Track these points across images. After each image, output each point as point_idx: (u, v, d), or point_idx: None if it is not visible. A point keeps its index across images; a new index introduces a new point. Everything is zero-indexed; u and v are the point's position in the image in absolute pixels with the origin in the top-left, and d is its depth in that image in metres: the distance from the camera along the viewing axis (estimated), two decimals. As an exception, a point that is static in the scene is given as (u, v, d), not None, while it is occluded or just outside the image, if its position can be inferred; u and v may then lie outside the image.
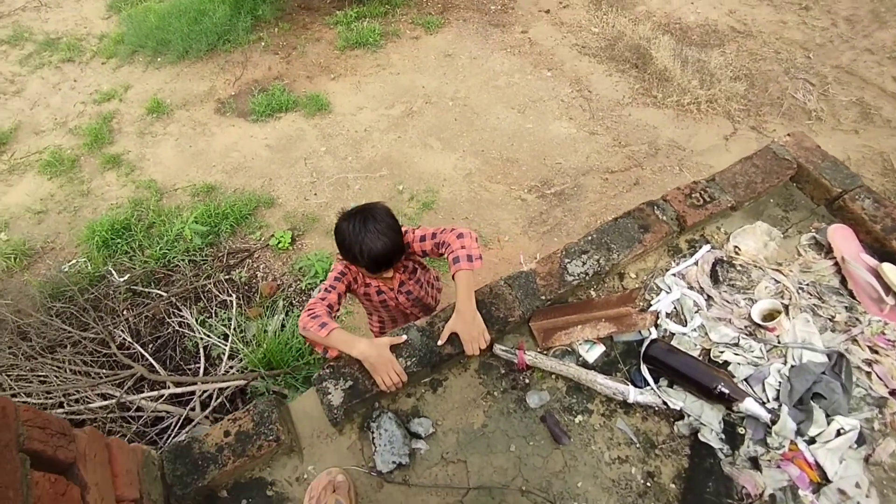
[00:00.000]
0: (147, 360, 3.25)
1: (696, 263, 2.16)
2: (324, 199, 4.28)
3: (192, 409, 3.00)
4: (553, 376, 1.93)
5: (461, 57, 5.36)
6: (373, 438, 1.80)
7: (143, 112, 5.10)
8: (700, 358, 1.90)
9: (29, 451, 1.12)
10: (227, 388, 3.08)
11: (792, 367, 1.85)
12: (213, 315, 3.54)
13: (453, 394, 1.93)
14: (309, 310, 1.86)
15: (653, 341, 1.92)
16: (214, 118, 5.00)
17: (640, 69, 5.08)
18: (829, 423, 1.72)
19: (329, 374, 1.87)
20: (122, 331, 3.41)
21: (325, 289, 1.95)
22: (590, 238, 2.17)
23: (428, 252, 2.00)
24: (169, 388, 3.06)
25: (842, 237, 2.16)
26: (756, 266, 2.14)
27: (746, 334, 1.96)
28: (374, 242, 1.77)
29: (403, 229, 1.95)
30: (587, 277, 2.07)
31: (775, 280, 2.09)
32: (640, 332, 1.99)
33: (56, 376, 3.08)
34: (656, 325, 2.01)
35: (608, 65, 5.18)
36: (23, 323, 3.41)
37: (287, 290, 3.77)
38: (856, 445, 1.70)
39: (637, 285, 2.14)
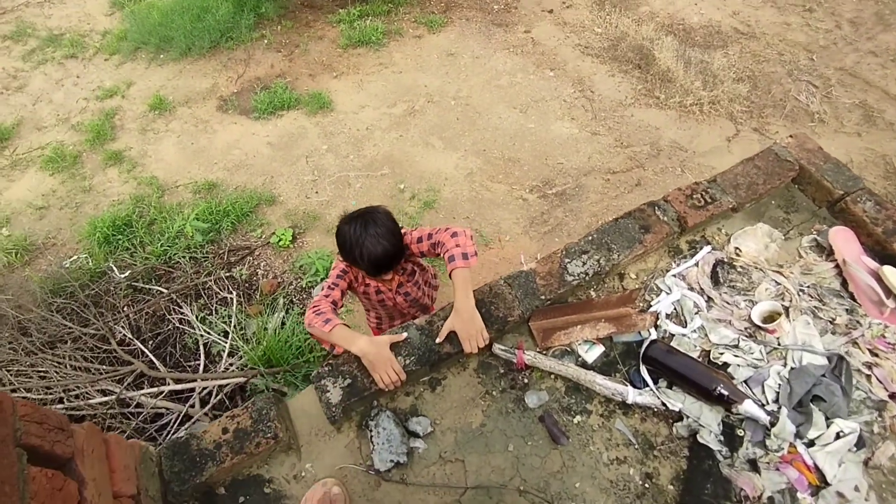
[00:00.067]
0: (147, 356, 3.25)
1: (696, 264, 2.16)
2: (325, 198, 4.28)
3: (192, 406, 3.00)
4: (552, 376, 1.93)
5: (464, 56, 5.36)
6: (371, 437, 1.79)
7: (145, 109, 5.10)
8: (700, 359, 1.90)
9: (26, 446, 1.12)
10: (227, 385, 3.09)
11: (792, 369, 1.85)
12: (214, 312, 3.54)
13: (452, 393, 1.92)
14: (314, 306, 1.89)
15: (652, 342, 1.92)
16: (216, 115, 5.01)
17: (643, 70, 5.07)
18: (828, 426, 1.72)
19: (328, 371, 1.87)
20: (122, 327, 3.41)
21: (329, 286, 1.99)
22: (590, 238, 2.17)
23: (425, 252, 2.02)
24: (169, 384, 3.07)
25: (843, 239, 2.15)
26: (757, 268, 2.13)
27: (746, 336, 1.95)
28: (374, 246, 1.80)
29: (402, 231, 1.96)
30: (587, 277, 2.07)
31: (776, 282, 2.09)
32: (639, 332, 1.99)
33: (56, 372, 3.09)
34: (656, 326, 2.00)
35: (611, 65, 5.17)
36: (23, 318, 3.42)
37: (287, 287, 3.78)
38: (855, 448, 1.70)
39: (637, 286, 2.14)
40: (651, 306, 2.06)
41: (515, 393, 1.91)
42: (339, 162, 4.52)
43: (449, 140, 4.61)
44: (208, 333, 3.35)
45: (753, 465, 1.69)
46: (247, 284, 3.80)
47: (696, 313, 2.02)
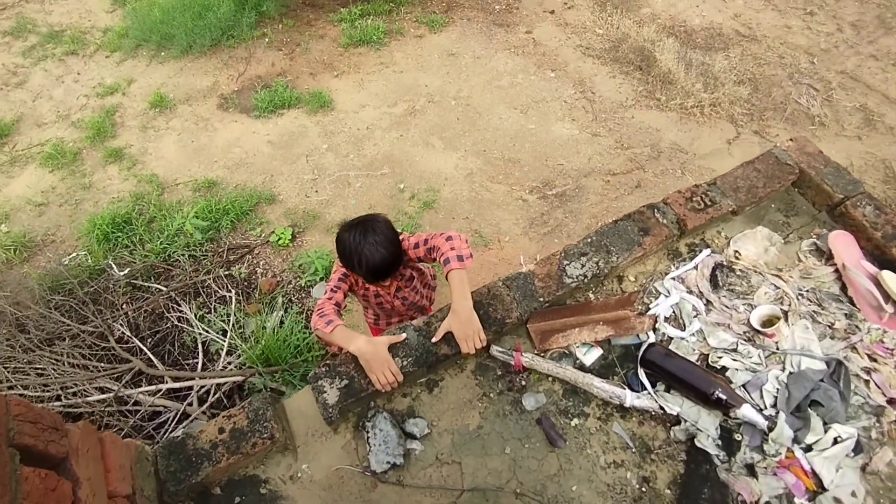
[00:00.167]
0: (145, 354, 3.25)
1: (695, 267, 2.16)
2: (325, 197, 4.28)
3: (190, 405, 3.00)
4: (550, 379, 1.93)
5: (465, 56, 5.35)
6: (367, 438, 1.79)
7: (145, 106, 5.09)
8: (698, 363, 1.89)
9: (19, 446, 1.12)
10: (225, 383, 3.08)
11: (790, 373, 1.84)
12: (212, 310, 3.54)
13: (449, 394, 1.92)
14: (318, 309, 1.93)
15: (651, 345, 1.91)
16: (217, 113, 5.00)
17: (644, 71, 5.06)
18: (826, 431, 1.71)
19: (325, 372, 1.87)
20: (121, 325, 3.41)
21: (332, 289, 2.03)
22: (589, 240, 2.16)
23: (422, 257, 2.05)
24: (167, 382, 3.07)
25: (843, 244, 2.15)
26: (756, 271, 2.13)
27: (745, 340, 1.95)
28: (372, 254, 1.83)
29: (400, 236, 1.99)
30: (586, 280, 2.06)
31: (775, 286, 2.08)
32: (638, 335, 1.99)
33: (54, 369, 3.08)
34: (654, 329, 2.00)
35: (612, 66, 5.17)
36: (21, 315, 3.41)
37: (286, 286, 3.77)
38: (852, 454, 1.69)
39: (636, 289, 2.13)
40: (650, 309, 2.05)
41: (513, 395, 1.90)
42: (340, 161, 4.51)
43: (449, 140, 4.61)
44: (207, 332, 3.35)
45: (751, 469, 1.69)
46: (246, 283, 3.80)
47: (695, 317, 2.02)
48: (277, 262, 3.93)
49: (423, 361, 1.87)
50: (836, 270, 2.12)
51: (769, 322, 1.95)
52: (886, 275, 2.01)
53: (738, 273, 2.14)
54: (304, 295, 3.73)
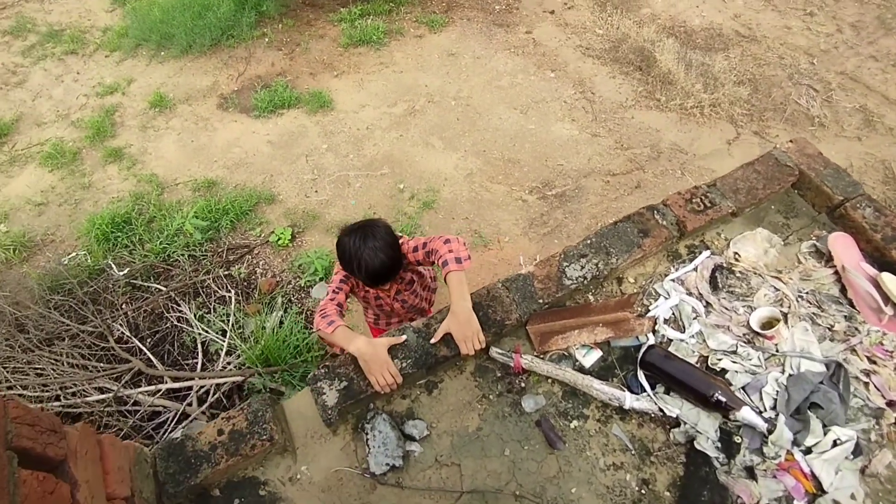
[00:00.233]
0: (145, 354, 3.25)
1: (695, 269, 2.15)
2: (324, 197, 4.27)
3: (189, 405, 3.00)
4: (549, 381, 1.93)
5: (464, 56, 5.35)
6: (367, 440, 1.79)
7: (145, 106, 5.09)
8: (697, 365, 1.89)
9: (17, 449, 1.11)
10: (225, 384, 3.08)
11: (790, 376, 1.84)
12: (212, 311, 3.54)
13: (448, 396, 1.92)
14: (321, 310, 1.95)
15: (650, 347, 1.91)
16: (217, 113, 5.00)
17: (644, 72, 5.06)
18: (825, 434, 1.71)
19: (324, 374, 1.87)
20: (120, 325, 3.41)
21: (333, 290, 2.05)
22: (589, 242, 2.16)
23: (421, 261, 2.07)
24: (166, 382, 3.06)
25: (842, 245, 2.15)
26: (756, 273, 2.13)
27: (745, 342, 1.95)
28: (372, 259, 1.84)
29: (399, 241, 2.00)
30: (585, 281, 2.06)
31: (775, 288, 2.08)
32: (637, 337, 1.98)
33: (53, 369, 3.08)
34: (654, 331, 2.00)
35: (612, 67, 5.17)
36: (21, 315, 3.41)
37: (286, 286, 3.77)
38: (852, 456, 1.69)
39: (635, 290, 2.13)
40: (649, 311, 2.05)
41: (512, 397, 1.90)
42: (339, 161, 4.51)
43: (449, 140, 4.61)
44: (206, 332, 3.35)
45: (750, 472, 1.69)
46: (245, 283, 3.80)
47: (695, 318, 2.01)
48: (277, 263, 3.93)
49: (423, 363, 1.87)
50: (836, 272, 2.11)
51: (769, 324, 1.95)
52: (886, 277, 2.01)
53: (738, 275, 2.14)
54: (303, 295, 3.73)
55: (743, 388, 1.84)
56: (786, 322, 1.97)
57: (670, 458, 1.76)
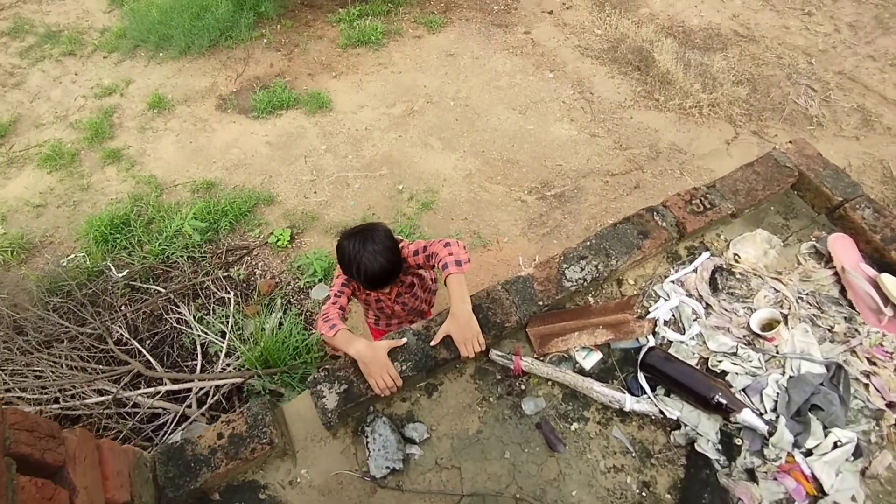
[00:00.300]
0: (144, 356, 3.24)
1: (695, 271, 2.15)
2: (323, 198, 4.27)
3: (189, 407, 2.99)
4: (549, 383, 1.92)
5: (463, 57, 5.35)
6: (367, 443, 1.79)
7: (144, 107, 5.08)
8: (698, 367, 1.89)
9: (16, 455, 1.11)
10: (224, 385, 3.08)
11: (790, 377, 1.84)
12: (211, 312, 3.53)
13: (448, 399, 1.92)
14: (323, 314, 1.96)
15: (650, 349, 1.91)
16: (215, 114, 4.99)
17: (643, 72, 5.06)
18: (826, 436, 1.71)
19: (324, 377, 1.86)
20: (119, 326, 3.40)
21: (335, 293, 2.05)
22: (588, 243, 2.16)
23: (421, 264, 2.07)
24: (166, 384, 3.06)
25: (842, 246, 2.15)
26: (755, 274, 2.13)
27: (745, 344, 1.94)
28: (371, 263, 1.84)
29: (400, 244, 2.00)
30: (585, 283, 2.06)
31: (775, 289, 2.08)
32: (637, 339, 1.98)
33: (52, 371, 3.07)
34: (654, 333, 2.00)
35: (610, 67, 5.16)
36: (19, 317, 3.40)
37: (285, 288, 3.76)
38: (852, 458, 1.69)
39: (635, 292, 2.13)
40: (649, 313, 2.05)
41: (512, 399, 1.90)
42: (338, 162, 4.50)
43: (448, 141, 4.60)
44: (206, 333, 3.34)
45: (751, 474, 1.69)
46: (244, 284, 3.79)
47: (695, 320, 2.01)
48: (276, 264, 3.92)
49: (423, 366, 1.87)
50: (836, 273, 2.11)
51: (769, 326, 1.95)
52: (885, 278, 2.01)
53: (738, 276, 2.14)
54: (302, 296, 3.72)
55: (743, 390, 1.84)
56: (786, 324, 1.96)
57: (671, 460, 1.76)
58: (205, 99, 5.13)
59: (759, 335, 1.94)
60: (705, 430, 1.76)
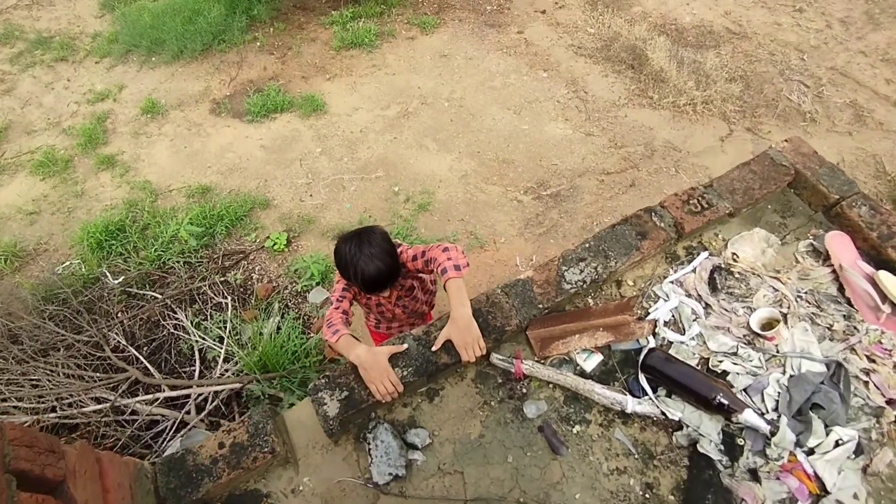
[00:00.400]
0: (142, 363, 3.23)
1: (693, 271, 2.15)
2: (319, 201, 4.26)
3: (188, 413, 2.98)
4: (550, 386, 1.92)
5: (457, 57, 5.34)
6: (369, 450, 1.78)
7: (137, 112, 5.06)
8: (699, 367, 1.89)
9: (15, 472, 1.10)
10: (223, 391, 3.07)
11: (791, 377, 1.84)
12: (209, 317, 3.51)
13: (450, 403, 1.91)
14: (327, 319, 1.95)
15: (651, 350, 1.91)
16: (209, 119, 4.97)
17: (636, 70, 5.07)
18: (827, 434, 1.72)
19: (325, 384, 1.85)
20: (116, 333, 3.38)
21: (337, 298, 2.05)
22: (587, 245, 2.16)
23: (420, 269, 2.06)
24: (164, 391, 3.05)
25: (839, 244, 2.15)
26: (754, 273, 2.13)
27: (745, 343, 1.95)
28: (367, 266, 1.83)
29: (399, 249, 2.00)
30: (584, 285, 2.06)
31: (774, 288, 2.09)
32: (637, 340, 1.98)
33: (49, 380, 3.05)
34: (654, 334, 2.00)
35: (604, 66, 5.17)
36: (14, 326, 3.38)
37: (283, 291, 3.75)
38: (853, 456, 1.70)
39: (635, 293, 2.13)
40: (649, 314, 2.05)
41: (514, 403, 1.90)
42: (333, 165, 4.49)
43: (443, 142, 4.60)
44: (203, 339, 3.33)
45: (754, 474, 1.69)
46: (241, 289, 3.78)
47: (695, 320, 2.01)
48: (273, 268, 3.91)
49: (423, 371, 1.86)
50: (834, 271, 2.12)
51: (769, 325, 1.96)
52: (883, 275, 2.01)
53: (737, 275, 2.14)
54: (300, 300, 3.72)
55: (744, 389, 1.84)
56: (785, 322, 1.97)
57: (673, 461, 1.76)
58: (198, 103, 5.11)
59: (759, 334, 1.95)
60: (707, 430, 1.76)
